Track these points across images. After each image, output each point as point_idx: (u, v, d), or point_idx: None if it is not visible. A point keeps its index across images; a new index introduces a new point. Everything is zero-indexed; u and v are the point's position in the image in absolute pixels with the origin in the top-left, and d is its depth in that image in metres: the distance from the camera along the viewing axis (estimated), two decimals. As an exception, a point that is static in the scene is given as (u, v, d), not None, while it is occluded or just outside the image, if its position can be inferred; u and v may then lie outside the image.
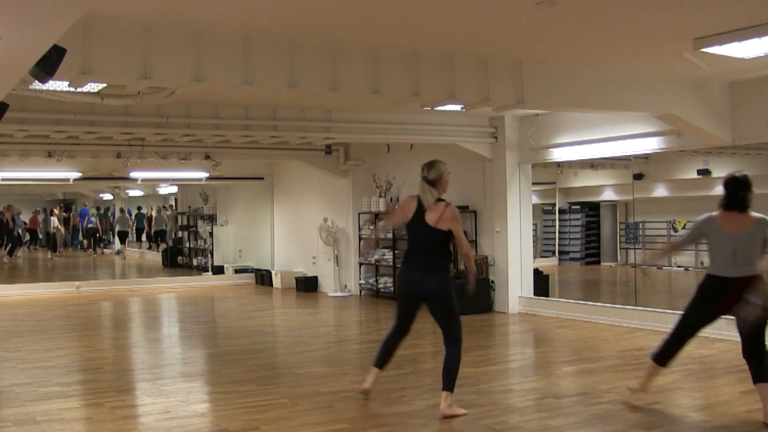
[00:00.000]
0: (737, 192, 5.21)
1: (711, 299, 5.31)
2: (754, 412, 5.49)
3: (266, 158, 13.79)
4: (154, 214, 25.22)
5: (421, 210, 5.62)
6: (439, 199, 5.65)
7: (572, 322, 10.01)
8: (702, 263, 13.96)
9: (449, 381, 5.55)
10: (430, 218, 5.57)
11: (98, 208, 28.58)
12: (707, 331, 8.41)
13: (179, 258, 20.62)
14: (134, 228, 25.98)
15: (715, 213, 5.31)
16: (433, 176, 5.63)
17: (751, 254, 5.16)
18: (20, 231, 24.83)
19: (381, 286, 13.04)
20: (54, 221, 26.09)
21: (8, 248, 22.59)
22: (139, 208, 25.80)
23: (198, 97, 8.85)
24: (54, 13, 3.57)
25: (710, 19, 5.79)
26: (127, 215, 25.41)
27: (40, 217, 28.14)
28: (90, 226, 26.74)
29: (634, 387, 5.79)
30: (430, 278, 5.56)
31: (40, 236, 28.50)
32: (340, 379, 6.86)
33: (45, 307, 12.37)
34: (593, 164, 14.17)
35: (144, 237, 25.88)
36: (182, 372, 7.51)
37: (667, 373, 6.16)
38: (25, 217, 27.68)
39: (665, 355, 5.58)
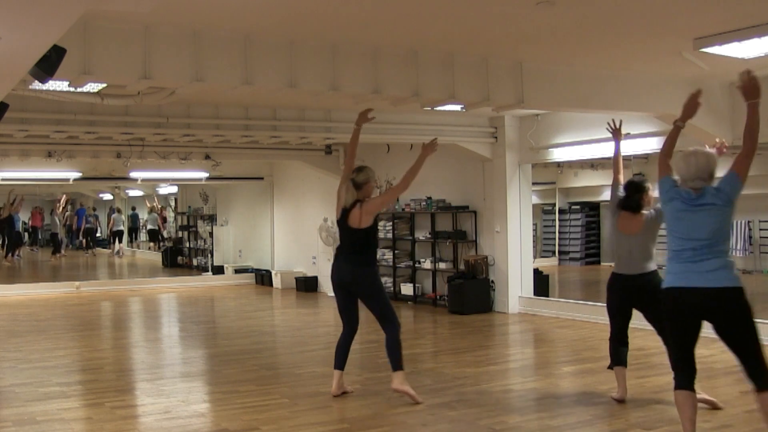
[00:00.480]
0: (633, 195, 5.70)
1: (617, 295, 5.89)
2: (754, 412, 5.49)
3: (266, 158, 13.79)
4: (115, 215, 24.41)
5: (345, 211, 6.06)
6: (358, 201, 6.05)
7: (572, 322, 10.01)
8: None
9: (396, 362, 5.95)
10: (352, 221, 6.02)
11: (94, 209, 28.07)
12: (707, 331, 8.44)
13: (179, 258, 20.62)
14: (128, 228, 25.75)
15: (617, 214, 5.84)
16: (360, 179, 6.10)
17: (645, 253, 5.68)
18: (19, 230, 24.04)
19: (381, 286, 13.03)
20: (56, 220, 24.36)
21: (6, 247, 21.93)
22: (134, 208, 25.71)
23: (198, 97, 8.85)
24: (54, 13, 3.57)
25: (710, 19, 5.80)
26: (119, 215, 24.91)
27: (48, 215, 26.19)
28: (87, 225, 26.47)
29: (617, 396, 5.92)
30: (357, 272, 6.02)
31: (39, 236, 27.78)
32: (340, 379, 6.85)
33: (45, 307, 12.37)
34: (593, 164, 14.18)
35: (136, 236, 25.76)
36: (182, 372, 7.51)
37: (668, 373, 6.15)
38: (23, 215, 26.80)
39: (618, 357, 5.97)
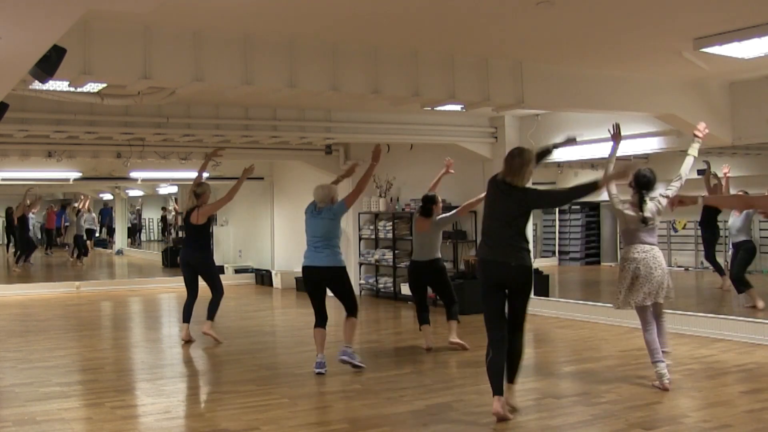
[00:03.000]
0: (426, 204, 8.08)
1: (414, 275, 8.34)
2: (754, 412, 5.49)
3: (266, 158, 13.78)
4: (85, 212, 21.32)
5: (188, 213, 8.85)
6: (197, 206, 8.82)
7: (572, 322, 10.01)
8: (702, 263, 13.97)
9: (211, 313, 8.64)
10: (192, 219, 8.80)
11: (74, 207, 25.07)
12: (707, 331, 8.47)
13: (179, 258, 20.57)
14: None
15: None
16: (199, 192, 8.85)
17: (432, 246, 8.14)
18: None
19: (381, 286, 13.04)
20: (81, 221, 21.15)
21: (18, 253, 18.74)
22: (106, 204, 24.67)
23: (198, 97, 8.86)
24: (54, 13, 3.57)
25: (710, 19, 5.80)
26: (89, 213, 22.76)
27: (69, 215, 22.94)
28: (67, 225, 25.32)
29: (426, 346, 7.98)
30: (196, 254, 8.94)
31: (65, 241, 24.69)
32: (340, 379, 6.86)
33: (45, 307, 12.37)
34: (593, 164, 14.15)
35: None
36: (182, 372, 7.51)
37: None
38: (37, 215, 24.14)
39: (423, 318, 8.24)
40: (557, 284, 13.92)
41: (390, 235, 12.74)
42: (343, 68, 6.45)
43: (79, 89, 6.47)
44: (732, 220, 10.16)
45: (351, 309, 7.29)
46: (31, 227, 19.31)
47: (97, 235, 26.66)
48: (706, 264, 12.25)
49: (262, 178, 16.10)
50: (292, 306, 12.71)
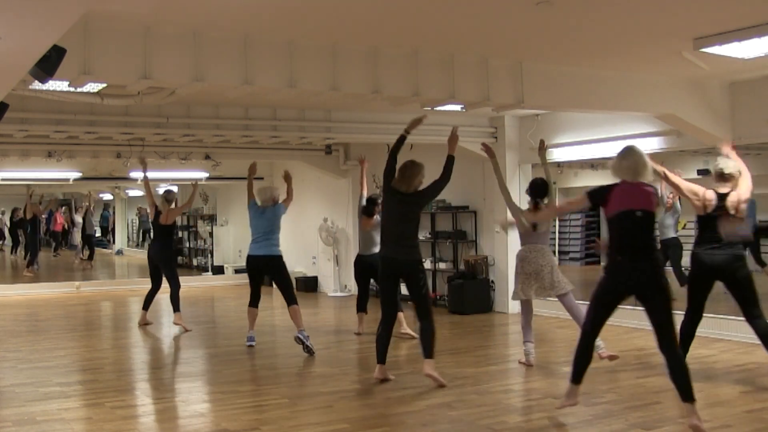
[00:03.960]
0: (369, 206, 9.04)
1: (359, 267, 9.33)
2: (754, 412, 5.49)
3: (266, 158, 13.77)
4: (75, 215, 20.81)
5: (158, 214, 9.97)
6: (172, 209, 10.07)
7: (572, 322, 9.94)
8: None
9: (175, 304, 9.69)
10: (162, 220, 9.91)
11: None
12: (707, 331, 8.46)
13: (179, 258, 20.60)
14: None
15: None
16: (169, 197, 10.14)
17: (375, 241, 8.69)
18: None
19: (381, 286, 13.03)
20: (92, 221, 20.86)
21: (28, 256, 18.25)
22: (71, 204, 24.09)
23: (198, 97, 8.85)
24: (54, 13, 3.57)
25: (710, 19, 5.79)
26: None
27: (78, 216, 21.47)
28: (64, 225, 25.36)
29: (357, 331, 9.25)
30: (160, 251, 10.02)
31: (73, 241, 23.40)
32: (340, 379, 6.86)
33: (45, 307, 12.37)
34: (593, 164, 14.16)
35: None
36: (182, 372, 7.51)
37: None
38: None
39: (362, 305, 9.35)
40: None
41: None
42: (343, 68, 6.44)
43: (79, 89, 6.47)
44: (662, 217, 10.43)
45: (290, 298, 8.31)
46: (39, 230, 18.81)
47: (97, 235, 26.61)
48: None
49: (262, 178, 16.08)
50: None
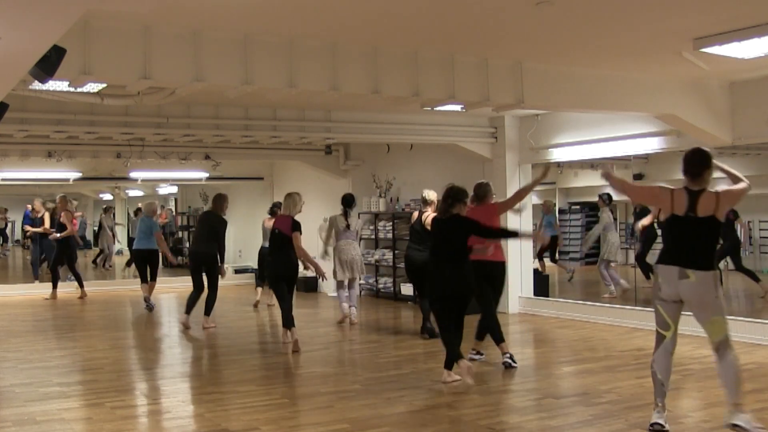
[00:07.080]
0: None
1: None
2: (754, 412, 5.49)
3: (266, 158, 13.79)
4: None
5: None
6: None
7: (572, 322, 10.01)
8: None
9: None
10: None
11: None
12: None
13: (179, 258, 20.58)
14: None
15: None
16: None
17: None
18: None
19: (381, 286, 13.04)
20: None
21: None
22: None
23: (198, 97, 8.85)
24: (54, 13, 3.57)
25: (710, 19, 5.80)
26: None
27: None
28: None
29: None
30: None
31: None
32: (340, 379, 6.87)
33: (45, 307, 12.37)
34: (593, 164, 14.14)
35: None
36: (182, 372, 7.51)
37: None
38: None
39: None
40: (557, 284, 13.91)
41: (390, 236, 12.74)
42: (343, 68, 6.44)
43: (79, 89, 6.47)
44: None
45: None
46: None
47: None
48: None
49: (262, 178, 16.10)
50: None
